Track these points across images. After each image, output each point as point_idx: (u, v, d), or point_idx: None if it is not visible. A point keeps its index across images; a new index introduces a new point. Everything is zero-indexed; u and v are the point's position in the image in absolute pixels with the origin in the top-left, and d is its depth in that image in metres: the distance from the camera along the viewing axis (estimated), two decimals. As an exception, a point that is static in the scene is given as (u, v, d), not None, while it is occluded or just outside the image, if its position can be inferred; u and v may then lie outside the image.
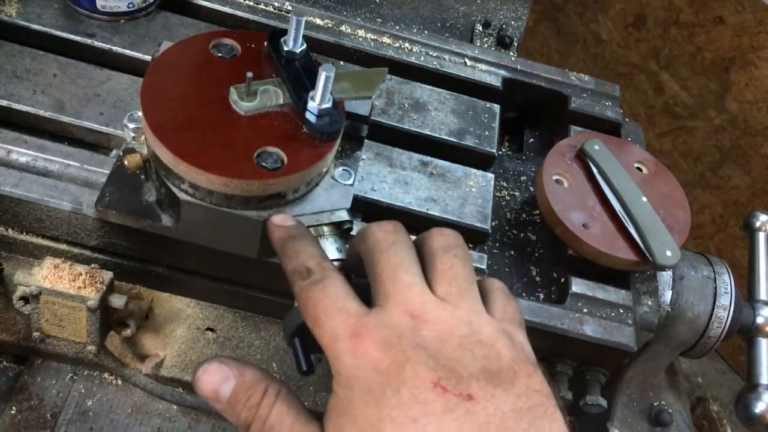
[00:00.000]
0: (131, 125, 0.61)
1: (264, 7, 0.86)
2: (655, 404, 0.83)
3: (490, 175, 0.79)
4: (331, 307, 0.44)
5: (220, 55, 0.63)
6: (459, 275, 0.46)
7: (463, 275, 0.46)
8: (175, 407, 0.76)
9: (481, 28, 1.03)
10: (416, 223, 0.66)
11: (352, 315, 0.43)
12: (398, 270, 0.45)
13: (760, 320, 0.80)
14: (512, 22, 1.05)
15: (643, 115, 1.96)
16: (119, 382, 0.76)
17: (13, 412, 0.73)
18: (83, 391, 0.75)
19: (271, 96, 0.60)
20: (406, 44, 0.88)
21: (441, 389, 0.40)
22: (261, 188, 0.57)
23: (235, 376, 0.45)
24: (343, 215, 0.60)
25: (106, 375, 0.76)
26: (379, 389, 0.40)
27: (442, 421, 0.39)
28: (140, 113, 0.59)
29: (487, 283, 0.49)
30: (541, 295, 0.77)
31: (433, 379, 0.40)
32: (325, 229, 0.59)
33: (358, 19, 0.90)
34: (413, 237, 0.49)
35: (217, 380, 0.45)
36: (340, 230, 0.60)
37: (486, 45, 1.01)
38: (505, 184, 0.87)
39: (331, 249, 0.57)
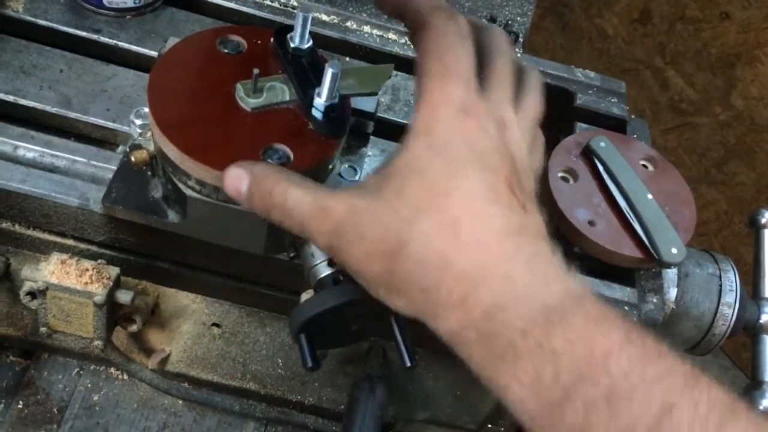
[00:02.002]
0: (138, 121, 0.61)
1: (270, 3, 0.86)
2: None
3: (496, 172, 0.78)
4: (463, 63, 0.44)
5: (226, 51, 0.63)
6: (509, 81, 0.47)
7: (511, 81, 0.48)
8: (180, 402, 0.77)
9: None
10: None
11: (471, 89, 0.44)
12: (505, 70, 0.47)
13: (764, 317, 0.80)
14: (518, 18, 1.05)
15: (648, 111, 1.96)
16: (125, 376, 0.77)
17: (20, 406, 0.73)
18: (89, 385, 0.76)
19: (278, 92, 0.60)
20: (412, 40, 0.88)
21: (510, 189, 0.42)
22: (267, 185, 0.57)
23: (248, 173, 0.47)
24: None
25: (112, 370, 0.77)
26: (464, 163, 0.41)
27: (505, 211, 0.41)
28: (147, 109, 0.59)
29: (528, 70, 0.51)
30: (546, 292, 0.77)
31: (508, 179, 0.42)
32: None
33: (364, 15, 0.89)
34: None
35: (235, 179, 0.47)
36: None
37: (491, 41, 1.01)
38: (510, 181, 0.87)
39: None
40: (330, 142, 0.59)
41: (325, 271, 0.57)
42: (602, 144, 0.78)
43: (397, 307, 0.44)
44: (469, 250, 0.40)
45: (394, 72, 0.77)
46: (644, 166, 0.81)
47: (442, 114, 0.42)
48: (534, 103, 0.50)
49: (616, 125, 0.87)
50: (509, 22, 1.03)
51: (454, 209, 0.40)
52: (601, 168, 0.77)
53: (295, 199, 0.45)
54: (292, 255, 0.61)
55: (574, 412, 0.36)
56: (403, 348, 0.54)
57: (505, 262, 0.40)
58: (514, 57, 0.49)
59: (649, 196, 0.74)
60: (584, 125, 0.86)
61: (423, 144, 0.42)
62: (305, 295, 0.63)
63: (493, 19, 1.02)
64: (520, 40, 1.00)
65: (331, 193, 0.44)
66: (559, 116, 0.91)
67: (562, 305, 0.39)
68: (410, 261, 0.41)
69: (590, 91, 0.90)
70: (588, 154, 0.79)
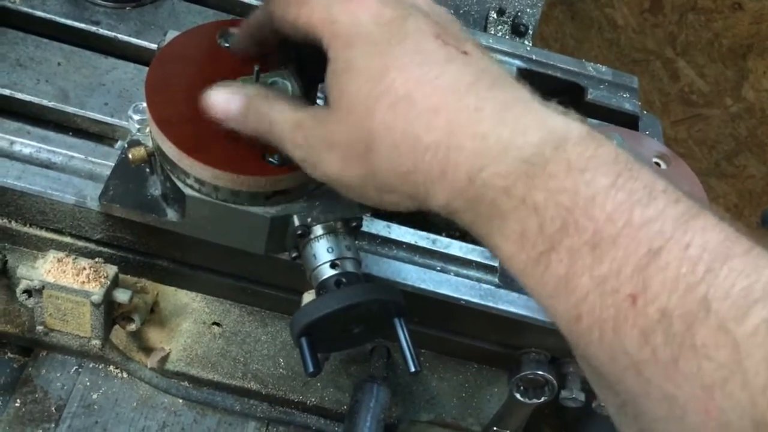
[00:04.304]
0: (136, 116, 0.60)
1: (273, -6, 0.84)
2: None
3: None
4: None
5: (227, 45, 0.61)
6: None
7: None
8: (180, 401, 0.75)
9: (495, 16, 1.00)
10: (424, 217, 0.64)
11: None
12: None
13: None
14: (527, 10, 1.03)
15: (658, 102, 1.93)
16: (124, 375, 0.75)
17: (17, 404, 0.72)
18: (88, 384, 0.75)
19: (280, 88, 0.58)
20: (419, 32, 0.86)
21: (442, 42, 0.41)
22: (268, 184, 0.55)
23: (240, 95, 0.49)
24: (353, 211, 0.59)
25: (111, 368, 0.76)
26: (383, 41, 0.41)
27: (444, 68, 0.40)
28: (145, 104, 0.58)
29: None
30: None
31: (434, 33, 0.41)
32: (336, 225, 0.58)
33: (370, 6, 0.87)
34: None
35: (223, 101, 0.50)
36: (350, 227, 0.59)
37: (500, 33, 0.99)
38: (518, 177, 0.85)
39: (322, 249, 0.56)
40: None
41: (327, 273, 0.55)
42: (614, 141, 0.76)
43: (393, 205, 0.44)
44: (431, 118, 0.39)
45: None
46: (657, 163, 0.79)
47: (336, 15, 0.42)
48: None
49: (628, 121, 0.86)
50: (519, 13, 1.01)
51: (398, 87, 0.40)
52: (612, 166, 0.75)
53: (277, 113, 0.47)
54: (293, 255, 0.60)
55: (558, 261, 0.36)
56: (407, 353, 0.53)
57: (471, 121, 0.38)
58: None
59: (662, 196, 0.72)
60: (595, 121, 0.84)
61: (339, 46, 0.42)
62: (307, 296, 0.62)
63: (502, 11, 1.00)
64: (530, 32, 0.98)
65: (303, 108, 0.46)
66: (569, 111, 0.89)
67: (542, 154, 0.37)
68: (383, 153, 0.41)
69: (602, 86, 0.87)
70: (599, 152, 0.77)
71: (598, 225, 0.34)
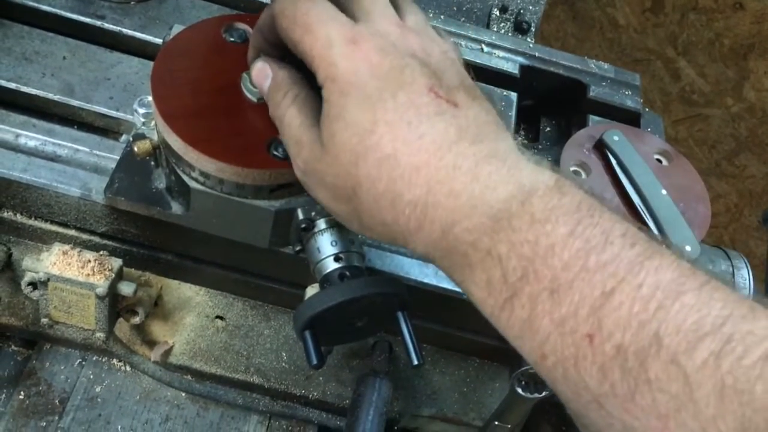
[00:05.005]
0: (141, 110, 0.60)
1: (277, -10, 0.84)
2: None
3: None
4: (325, 15, 0.44)
5: (232, 39, 0.62)
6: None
7: None
8: (183, 394, 0.76)
9: (498, 13, 1.01)
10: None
11: (346, 23, 0.44)
12: None
13: (778, 316, 0.79)
14: (530, 7, 1.03)
15: (658, 101, 1.94)
16: (128, 368, 0.76)
17: (21, 397, 0.72)
18: (92, 376, 0.75)
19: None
20: (422, 29, 0.86)
21: (434, 94, 0.42)
22: (273, 178, 0.56)
23: (271, 75, 0.50)
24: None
25: (114, 361, 0.76)
26: (376, 93, 0.42)
27: (434, 122, 0.41)
28: (150, 98, 0.58)
29: None
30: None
31: (428, 85, 0.43)
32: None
33: (373, 2, 0.88)
34: None
35: (261, 76, 0.51)
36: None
37: (503, 30, 0.99)
38: (520, 174, 0.85)
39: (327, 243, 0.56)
40: None
41: (331, 266, 0.56)
42: (615, 138, 0.77)
43: (375, 239, 0.48)
44: (412, 177, 0.41)
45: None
46: (658, 160, 0.79)
47: (335, 58, 0.43)
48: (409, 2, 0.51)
49: (629, 118, 0.86)
50: (521, 11, 1.01)
51: (384, 145, 0.41)
52: (614, 162, 0.76)
53: (289, 118, 0.47)
54: (297, 249, 0.60)
55: (521, 306, 0.38)
56: (410, 346, 0.53)
57: (448, 179, 0.40)
58: None
59: (663, 192, 0.73)
60: (597, 118, 0.85)
61: (335, 91, 0.43)
62: (311, 290, 0.62)
63: (505, 8, 1.01)
64: (533, 29, 0.99)
65: (307, 128, 0.46)
66: (572, 108, 0.90)
67: (508, 209, 0.39)
68: (366, 202, 0.43)
69: (604, 83, 0.88)
70: (601, 148, 0.78)
71: (556, 272, 0.37)
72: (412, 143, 0.41)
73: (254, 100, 0.57)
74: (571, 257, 0.37)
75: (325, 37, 0.43)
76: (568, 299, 0.36)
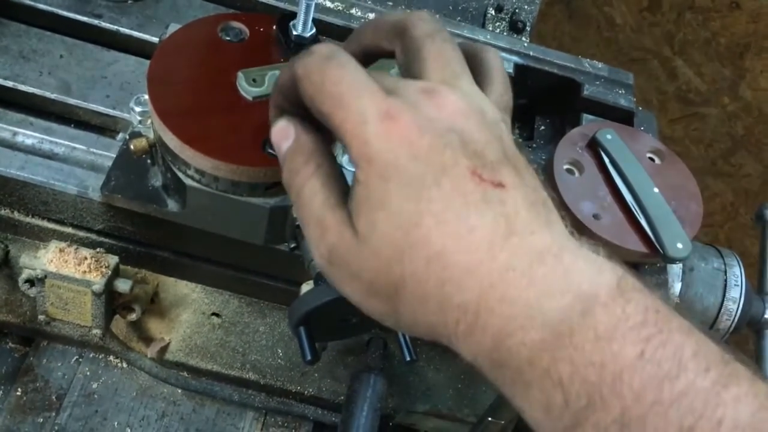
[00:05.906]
0: (138, 108, 0.60)
1: (273, -11, 0.85)
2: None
3: (500, 163, 0.77)
4: (358, 85, 0.38)
5: (228, 38, 0.62)
6: (452, 59, 0.42)
7: (455, 58, 0.42)
8: (179, 391, 0.76)
9: (493, 13, 1.01)
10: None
11: (377, 94, 0.38)
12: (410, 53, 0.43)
13: (770, 313, 0.80)
14: (525, 6, 1.04)
15: (655, 101, 1.94)
16: (124, 365, 0.76)
17: (18, 393, 0.73)
18: (88, 373, 0.75)
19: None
20: (417, 28, 0.87)
21: (478, 178, 0.37)
22: (267, 175, 0.56)
23: (293, 138, 0.43)
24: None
25: (111, 358, 0.76)
26: (419, 180, 0.37)
27: (482, 212, 0.37)
28: (147, 96, 0.58)
29: (483, 53, 0.46)
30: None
31: (470, 168, 0.37)
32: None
33: (369, 2, 0.88)
34: None
35: (281, 136, 0.43)
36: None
37: (498, 30, 0.99)
38: (514, 172, 0.86)
39: None
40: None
41: (325, 263, 0.56)
42: (609, 136, 0.77)
43: (414, 336, 0.42)
44: (463, 280, 0.37)
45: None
46: (651, 159, 0.80)
47: (370, 136, 0.37)
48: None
49: (623, 117, 0.86)
50: (516, 10, 1.01)
51: (433, 241, 0.37)
52: (607, 161, 0.76)
53: (309, 191, 0.41)
54: (292, 246, 0.61)
55: None
56: (403, 342, 0.54)
57: (502, 283, 0.36)
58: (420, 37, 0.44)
59: (656, 190, 0.73)
60: (591, 116, 0.85)
61: (372, 174, 0.38)
62: (306, 287, 0.63)
63: (500, 7, 1.01)
64: (528, 29, 0.99)
65: (332, 208, 0.40)
66: (566, 107, 0.90)
67: (568, 322, 0.35)
68: (410, 303, 0.38)
69: (597, 82, 0.88)
70: (594, 147, 0.78)
71: (626, 402, 0.33)
72: (462, 239, 0.37)
73: (249, 98, 0.58)
74: (642, 387, 0.33)
75: (358, 111, 0.38)
76: None
